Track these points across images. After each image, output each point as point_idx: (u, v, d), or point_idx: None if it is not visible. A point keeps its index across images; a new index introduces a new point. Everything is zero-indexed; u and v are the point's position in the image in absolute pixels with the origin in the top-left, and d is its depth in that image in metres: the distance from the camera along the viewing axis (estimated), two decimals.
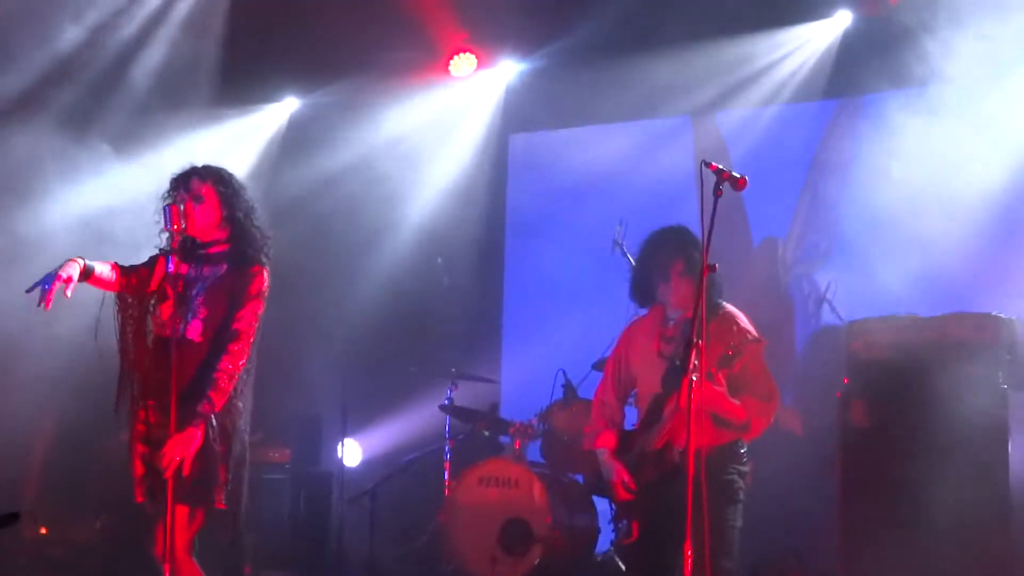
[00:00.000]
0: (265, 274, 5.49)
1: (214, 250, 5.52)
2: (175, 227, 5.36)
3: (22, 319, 8.33)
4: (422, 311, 9.97)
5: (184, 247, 5.43)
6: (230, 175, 5.67)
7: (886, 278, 8.25)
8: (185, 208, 5.40)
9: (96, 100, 9.30)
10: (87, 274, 5.32)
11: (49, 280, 5.15)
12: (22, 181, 8.90)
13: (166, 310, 5.38)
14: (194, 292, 5.39)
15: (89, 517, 8.56)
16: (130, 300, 5.47)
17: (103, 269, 5.41)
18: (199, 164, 5.62)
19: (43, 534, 8.81)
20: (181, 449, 5.15)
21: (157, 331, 5.39)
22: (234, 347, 5.31)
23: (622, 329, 6.17)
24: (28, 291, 5.17)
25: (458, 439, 8.74)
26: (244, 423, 5.45)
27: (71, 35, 8.91)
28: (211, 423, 5.23)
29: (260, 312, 5.44)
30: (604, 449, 5.90)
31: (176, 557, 5.22)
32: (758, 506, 5.83)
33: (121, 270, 5.47)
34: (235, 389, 5.33)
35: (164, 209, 5.42)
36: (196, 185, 5.49)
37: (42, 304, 5.10)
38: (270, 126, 10.66)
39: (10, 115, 8.84)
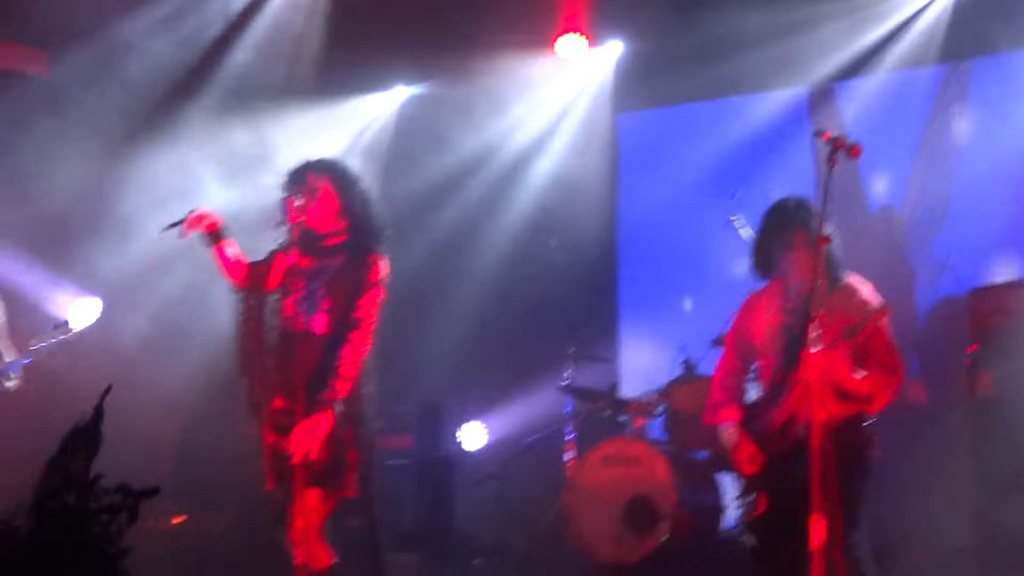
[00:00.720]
0: (383, 263, 5.58)
1: (332, 242, 5.62)
2: (293, 220, 5.46)
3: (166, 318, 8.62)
4: (538, 293, 9.98)
5: (303, 240, 5.53)
6: (344, 167, 5.76)
7: (1008, 242, 8.08)
8: (302, 202, 5.51)
9: (197, 95, 9.48)
10: (219, 237, 5.50)
11: (185, 218, 5.41)
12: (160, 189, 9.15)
13: (289, 304, 5.48)
14: (316, 285, 5.49)
15: (221, 507, 8.74)
16: (250, 296, 5.60)
17: (233, 248, 5.56)
18: (314, 158, 5.73)
19: (176, 524, 9.02)
20: (308, 436, 5.25)
21: (283, 325, 5.50)
22: (356, 335, 5.41)
23: (741, 303, 6.12)
24: (164, 230, 5.47)
25: (579, 419, 8.75)
26: (369, 409, 5.54)
27: (167, 43, 9.11)
28: (337, 410, 5.33)
29: (380, 300, 5.52)
30: (728, 423, 5.87)
31: (308, 542, 5.33)
32: (884, 478, 5.76)
33: (248, 263, 5.61)
34: (359, 376, 5.42)
35: (281, 203, 5.54)
36: (312, 179, 5.58)
37: (181, 235, 5.49)
38: (379, 114, 10.74)
39: (138, 132, 9.08)
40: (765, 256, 5.84)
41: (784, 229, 5.70)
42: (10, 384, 6.60)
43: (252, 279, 5.58)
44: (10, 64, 8.87)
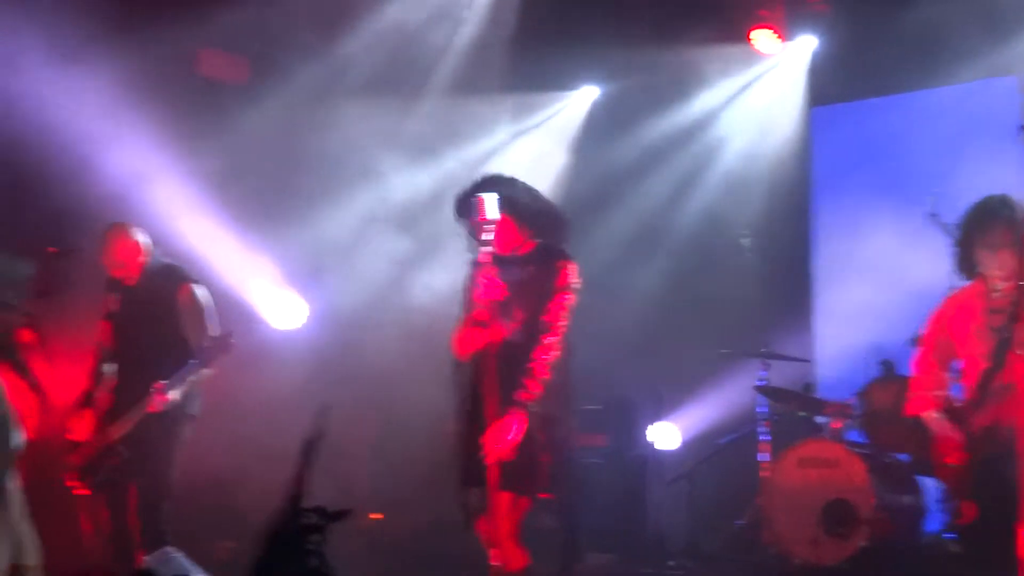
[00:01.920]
0: (571, 268, 5.58)
1: (520, 253, 5.65)
2: (480, 240, 5.47)
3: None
4: (731, 291, 9.86)
5: (494, 255, 5.55)
6: (513, 185, 5.73)
7: None
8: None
9: (396, 92, 9.65)
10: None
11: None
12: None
13: (484, 314, 5.53)
14: (509, 295, 5.53)
15: (419, 506, 8.89)
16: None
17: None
18: (482, 181, 5.70)
19: (374, 520, 9.21)
20: (501, 437, 5.30)
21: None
22: (547, 338, 5.43)
23: (940, 301, 5.96)
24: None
25: (774, 420, 8.63)
26: (563, 410, 5.56)
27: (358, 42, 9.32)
28: (531, 411, 5.36)
29: (570, 304, 5.53)
30: (928, 411, 5.70)
31: (503, 542, 5.38)
32: None
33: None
34: (551, 378, 5.44)
35: (467, 228, 5.58)
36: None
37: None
38: (568, 110, 10.79)
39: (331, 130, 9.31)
40: (967, 255, 5.67)
41: (987, 228, 5.53)
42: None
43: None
44: (216, 72, 9.18)
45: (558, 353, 5.46)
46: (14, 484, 3.61)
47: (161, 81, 8.49)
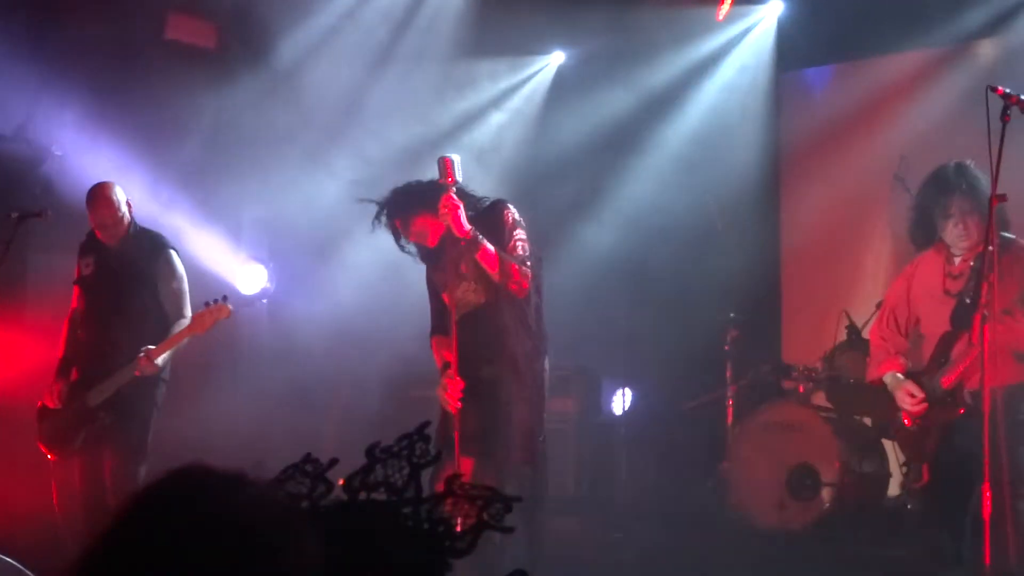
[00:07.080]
0: (508, 205, 5.65)
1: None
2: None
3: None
4: (697, 257, 9.84)
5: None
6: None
7: None
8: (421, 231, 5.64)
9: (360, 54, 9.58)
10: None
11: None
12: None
13: (441, 278, 5.59)
14: (460, 263, 5.54)
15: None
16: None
17: None
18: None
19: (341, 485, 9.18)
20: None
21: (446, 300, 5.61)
22: (524, 283, 5.44)
23: (904, 266, 5.98)
24: None
25: (740, 385, 8.66)
26: (530, 376, 5.56)
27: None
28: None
29: (525, 237, 5.55)
30: (891, 372, 5.67)
31: None
32: None
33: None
34: (521, 347, 5.46)
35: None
36: (417, 224, 5.64)
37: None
38: (537, 79, 10.73)
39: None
40: (924, 223, 5.67)
41: (944, 199, 5.51)
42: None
43: None
44: (183, 36, 9.01)
45: (532, 289, 5.49)
46: None
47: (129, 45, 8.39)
